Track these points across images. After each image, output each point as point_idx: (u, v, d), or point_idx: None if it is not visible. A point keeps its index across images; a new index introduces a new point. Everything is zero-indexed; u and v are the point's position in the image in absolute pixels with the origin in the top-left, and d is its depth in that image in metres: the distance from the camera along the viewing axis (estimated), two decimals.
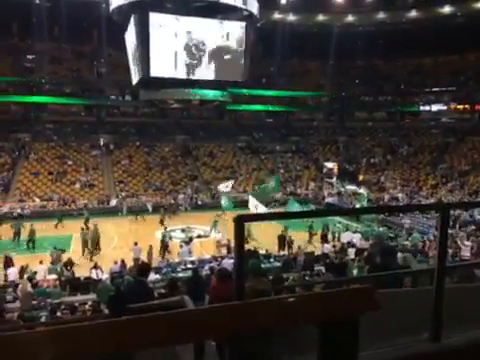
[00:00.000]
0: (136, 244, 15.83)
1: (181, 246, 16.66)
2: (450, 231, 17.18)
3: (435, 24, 32.13)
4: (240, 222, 1.34)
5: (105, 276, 13.05)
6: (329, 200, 27.95)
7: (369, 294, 1.05)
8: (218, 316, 0.94)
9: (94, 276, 13.42)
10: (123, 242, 18.29)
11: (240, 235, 1.35)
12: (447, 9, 32.16)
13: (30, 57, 33.72)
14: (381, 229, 21.51)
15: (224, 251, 17.11)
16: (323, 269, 12.68)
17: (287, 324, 1.08)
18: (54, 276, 13.06)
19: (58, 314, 9.28)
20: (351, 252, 15.57)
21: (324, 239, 18.93)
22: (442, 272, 1.65)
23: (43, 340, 0.88)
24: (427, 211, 20.23)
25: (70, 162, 30.39)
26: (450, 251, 13.43)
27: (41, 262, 13.75)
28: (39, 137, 31.90)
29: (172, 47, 23.71)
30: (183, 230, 21.16)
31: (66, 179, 28.78)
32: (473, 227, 19.91)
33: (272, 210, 20.30)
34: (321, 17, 35.07)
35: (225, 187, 24.67)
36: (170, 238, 18.13)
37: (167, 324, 0.96)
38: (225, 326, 0.94)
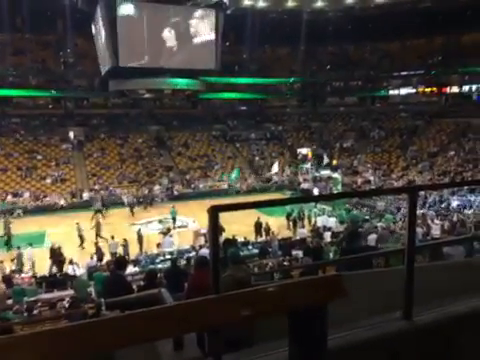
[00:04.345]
0: (113, 238, 15.64)
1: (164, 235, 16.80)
2: (421, 211, 17.77)
3: (402, 9, 32.59)
4: (214, 212, 1.34)
5: (82, 271, 12.87)
6: (304, 186, 28.30)
7: (336, 282, 1.08)
8: (193, 311, 0.95)
9: (70, 272, 13.23)
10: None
11: (214, 225, 1.36)
12: None
13: None
14: (355, 212, 22.01)
15: (202, 240, 17.14)
16: (300, 253, 12.90)
17: (259, 316, 1.10)
18: (30, 274, 12.81)
19: (35, 312, 9.10)
20: (327, 235, 15.90)
21: (295, 224, 19.20)
22: (412, 252, 1.70)
23: (22, 345, 0.86)
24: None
25: (40, 157, 29.51)
26: (422, 230, 13.89)
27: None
28: (6, 132, 30.76)
29: (141, 36, 23.22)
30: (160, 221, 21.07)
31: (36, 174, 27.97)
32: (442, 206, 20.69)
33: None
34: (290, 3, 34.95)
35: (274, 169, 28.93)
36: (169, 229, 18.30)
37: (145, 321, 0.95)
38: (200, 320, 0.95)
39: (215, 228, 1.36)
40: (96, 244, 15.79)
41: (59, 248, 14.88)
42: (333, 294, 1.07)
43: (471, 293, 1.90)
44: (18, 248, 14.91)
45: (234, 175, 28.11)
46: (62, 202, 25.05)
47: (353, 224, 14.49)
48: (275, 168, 29.33)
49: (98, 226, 18.04)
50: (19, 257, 14.39)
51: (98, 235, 17.53)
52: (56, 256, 14.73)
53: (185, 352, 1.49)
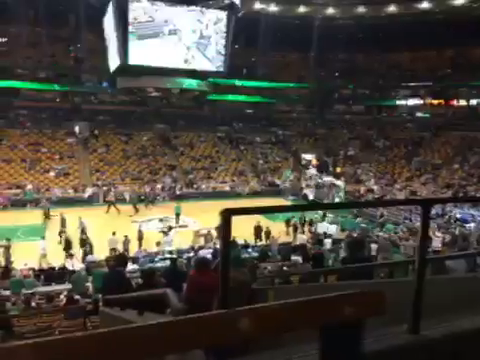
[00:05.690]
0: (114, 234, 15.64)
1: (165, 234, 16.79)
2: None
3: (413, 19, 32.57)
4: (227, 215, 1.33)
5: (81, 266, 12.87)
6: (307, 192, 28.23)
7: (378, 299, 1.05)
8: (224, 322, 0.93)
9: (69, 266, 13.25)
10: (99, 232, 17.88)
11: (226, 228, 1.34)
12: (425, 5, 32.62)
13: (3, 40, 32.45)
14: (356, 220, 21.92)
15: (202, 241, 17.13)
16: (300, 259, 12.87)
17: (287, 331, 1.09)
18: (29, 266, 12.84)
19: (33, 304, 9.12)
20: (327, 243, 15.85)
21: (295, 229, 19.13)
22: (423, 264, 1.68)
23: (22, 354, 0.85)
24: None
25: (44, 149, 29.59)
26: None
27: None
28: (12, 123, 30.89)
29: (151, 34, 23.27)
30: (161, 220, 21.08)
31: (40, 167, 28.04)
32: (444, 219, 20.62)
33: None
34: (302, 9, 35.01)
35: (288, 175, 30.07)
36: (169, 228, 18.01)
37: (153, 336, 0.94)
38: (222, 335, 0.93)
39: (227, 231, 1.35)
40: (83, 240, 15.80)
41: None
42: (370, 312, 1.05)
43: (476, 309, 1.88)
44: (8, 240, 14.86)
45: (287, 174, 30.31)
46: (90, 194, 25.44)
47: (361, 233, 14.44)
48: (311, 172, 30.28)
49: (63, 222, 18.06)
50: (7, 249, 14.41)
51: (62, 231, 17.48)
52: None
53: (190, 355, 1.48)
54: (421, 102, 37.37)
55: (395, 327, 1.69)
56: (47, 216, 19.94)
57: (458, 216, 20.60)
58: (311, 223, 20.12)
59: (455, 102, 35.30)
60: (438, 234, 16.07)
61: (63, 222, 18.00)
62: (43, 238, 15.47)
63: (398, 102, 39.02)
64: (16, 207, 23.04)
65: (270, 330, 1.01)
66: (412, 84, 37.21)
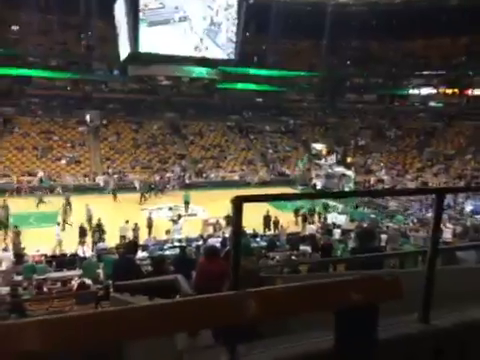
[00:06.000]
0: (127, 222, 15.81)
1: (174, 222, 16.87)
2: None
3: (428, 6, 31.85)
4: (238, 202, 1.33)
5: (91, 253, 13.06)
6: (316, 182, 28.11)
7: (394, 285, 1.04)
8: (233, 303, 0.94)
9: (80, 253, 13.45)
10: (108, 220, 18.02)
11: (238, 215, 1.34)
12: None
13: (15, 28, 32.57)
14: (365, 210, 21.85)
15: (211, 230, 17.22)
16: (309, 249, 12.88)
17: (293, 314, 1.09)
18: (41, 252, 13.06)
19: (45, 289, 9.29)
20: (336, 233, 15.83)
21: (304, 219, 19.05)
22: (434, 254, 1.67)
23: (32, 330, 0.86)
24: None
25: (56, 137, 29.82)
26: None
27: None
28: (24, 111, 31.14)
29: (162, 22, 23.17)
30: (170, 208, 21.20)
31: (51, 155, 28.31)
32: (455, 210, 20.41)
33: None
34: None
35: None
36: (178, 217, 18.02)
37: (162, 315, 0.95)
38: (228, 316, 0.93)
39: (239, 218, 1.34)
40: (98, 226, 15.95)
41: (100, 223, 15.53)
42: (386, 296, 1.05)
43: None
44: (15, 227, 15.04)
45: (303, 162, 30.43)
46: (103, 183, 25.62)
47: (372, 224, 14.40)
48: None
49: (66, 211, 18.21)
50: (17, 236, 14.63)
51: (65, 220, 17.58)
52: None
53: (200, 339, 1.49)
54: (434, 91, 36.74)
55: (405, 316, 1.69)
56: (68, 203, 19.98)
57: (470, 208, 20.38)
58: (320, 214, 20.07)
59: (469, 91, 34.61)
60: (449, 225, 15.96)
61: (66, 210, 18.22)
62: (58, 224, 15.74)
63: (411, 91, 38.39)
64: (31, 194, 23.31)
65: (276, 313, 1.01)
66: (426, 73, 36.54)
